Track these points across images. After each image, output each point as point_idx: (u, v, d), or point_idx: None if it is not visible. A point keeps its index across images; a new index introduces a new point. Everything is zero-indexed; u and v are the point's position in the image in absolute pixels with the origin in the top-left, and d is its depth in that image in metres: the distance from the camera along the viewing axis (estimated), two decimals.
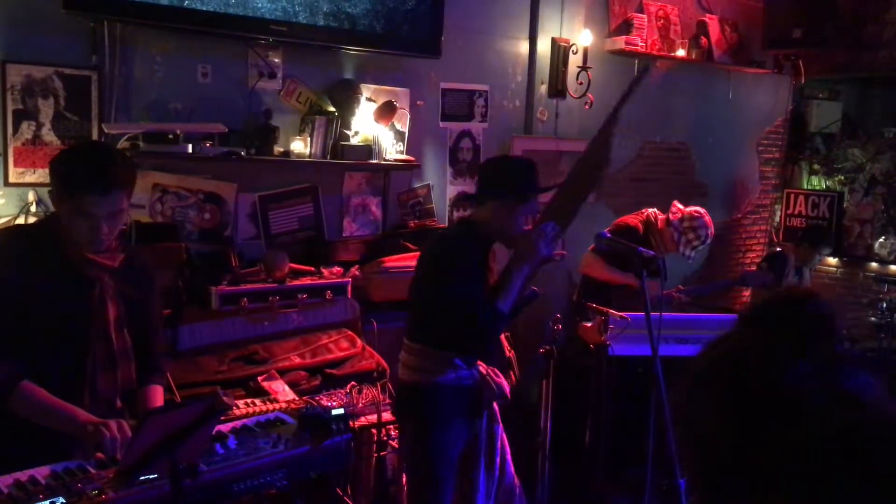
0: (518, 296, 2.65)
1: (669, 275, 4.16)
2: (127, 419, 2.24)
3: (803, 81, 5.94)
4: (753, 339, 0.75)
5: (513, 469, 2.96)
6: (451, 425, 2.69)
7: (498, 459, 2.86)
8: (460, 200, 4.28)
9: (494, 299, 2.62)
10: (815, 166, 6.28)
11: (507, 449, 2.95)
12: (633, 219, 4.12)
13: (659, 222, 4.08)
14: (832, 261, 5.92)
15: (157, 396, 2.33)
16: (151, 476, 1.83)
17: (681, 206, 4.08)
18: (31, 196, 3.14)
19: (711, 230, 4.02)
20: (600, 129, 2.80)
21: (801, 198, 6.19)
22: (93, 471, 1.90)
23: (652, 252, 2.74)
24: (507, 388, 2.79)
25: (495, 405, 2.85)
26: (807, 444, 0.68)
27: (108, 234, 2.10)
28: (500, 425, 2.89)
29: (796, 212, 6.19)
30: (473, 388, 2.71)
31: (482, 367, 2.74)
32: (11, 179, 3.12)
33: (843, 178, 6.12)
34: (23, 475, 1.86)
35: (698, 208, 4.08)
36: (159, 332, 2.46)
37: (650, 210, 4.17)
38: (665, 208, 4.13)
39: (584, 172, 2.80)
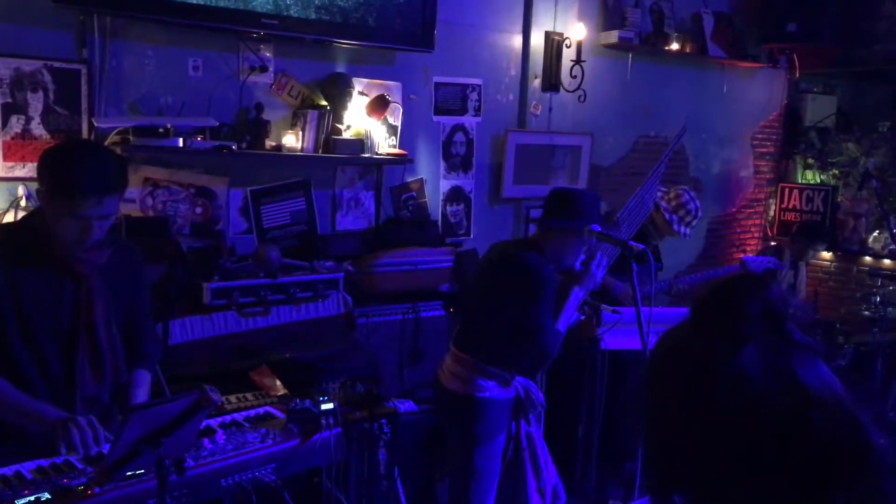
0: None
1: (664, 268, 4.18)
2: (117, 415, 2.24)
3: (798, 76, 5.93)
4: (699, 328, 0.75)
5: (556, 472, 3.10)
6: (498, 437, 2.84)
7: (542, 463, 2.99)
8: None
9: (555, 324, 2.75)
10: (810, 160, 6.27)
11: (548, 453, 3.08)
12: None
13: (653, 210, 4.09)
14: (826, 255, 5.92)
15: (143, 382, 2.30)
16: (138, 471, 1.82)
17: (664, 189, 4.11)
18: (20, 191, 3.12)
19: (698, 203, 4.07)
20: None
21: (796, 192, 6.19)
22: (79, 466, 1.90)
23: (642, 245, 2.73)
24: (542, 398, 2.97)
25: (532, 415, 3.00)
26: (748, 427, 0.67)
27: (98, 235, 2.07)
28: (541, 429, 3.08)
29: (791, 206, 6.19)
30: (515, 400, 2.87)
31: (523, 381, 2.91)
32: (0, 174, 3.10)
33: (837, 172, 6.12)
34: (8, 470, 1.86)
35: (680, 186, 4.14)
36: (148, 320, 2.44)
37: None
38: None
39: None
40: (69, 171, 2.00)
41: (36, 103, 3.15)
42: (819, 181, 6.21)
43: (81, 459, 1.93)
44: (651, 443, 0.79)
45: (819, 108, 6.26)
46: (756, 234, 6.32)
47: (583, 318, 3.05)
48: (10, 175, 3.12)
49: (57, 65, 3.17)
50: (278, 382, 3.09)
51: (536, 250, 2.82)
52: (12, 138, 3.12)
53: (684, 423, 0.73)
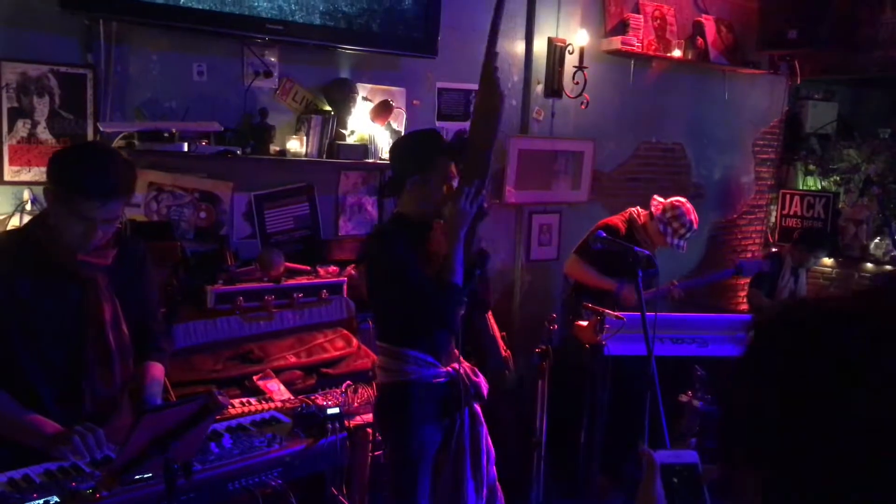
0: (466, 261, 2.55)
1: (663, 274, 4.18)
2: (128, 411, 2.24)
3: (798, 82, 5.95)
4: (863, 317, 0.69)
5: (495, 472, 2.87)
6: (423, 424, 2.60)
7: (484, 461, 2.77)
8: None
9: (441, 275, 2.52)
10: (811, 167, 6.29)
11: (493, 452, 2.85)
12: (615, 219, 4.14)
13: (642, 218, 4.10)
14: (828, 261, 5.93)
15: (156, 372, 2.31)
16: (146, 475, 1.83)
17: (661, 199, 4.11)
18: (26, 195, 3.13)
19: (695, 216, 4.05)
20: (483, 63, 2.73)
21: (797, 198, 6.20)
22: (87, 469, 1.90)
23: (647, 251, 2.74)
24: (484, 388, 2.72)
25: (477, 407, 2.76)
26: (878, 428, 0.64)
27: (102, 238, 2.08)
28: (484, 427, 2.79)
29: (792, 212, 6.20)
30: (445, 386, 2.62)
31: (457, 366, 2.66)
32: (6, 178, 3.11)
33: (838, 178, 6.14)
34: (17, 473, 1.86)
35: (678, 198, 4.11)
36: (156, 314, 2.45)
37: (632, 209, 4.19)
38: None
39: (481, 116, 2.64)
40: (76, 172, 2.01)
41: (42, 108, 3.16)
42: (820, 187, 6.22)
43: (89, 463, 1.93)
44: (751, 417, 0.73)
45: (820, 115, 6.28)
46: (757, 241, 6.33)
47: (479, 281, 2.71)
48: (15, 179, 3.12)
49: (63, 69, 3.18)
50: (282, 387, 3.10)
51: (396, 219, 2.68)
52: (18, 142, 3.13)
53: (800, 400, 0.69)
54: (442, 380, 2.62)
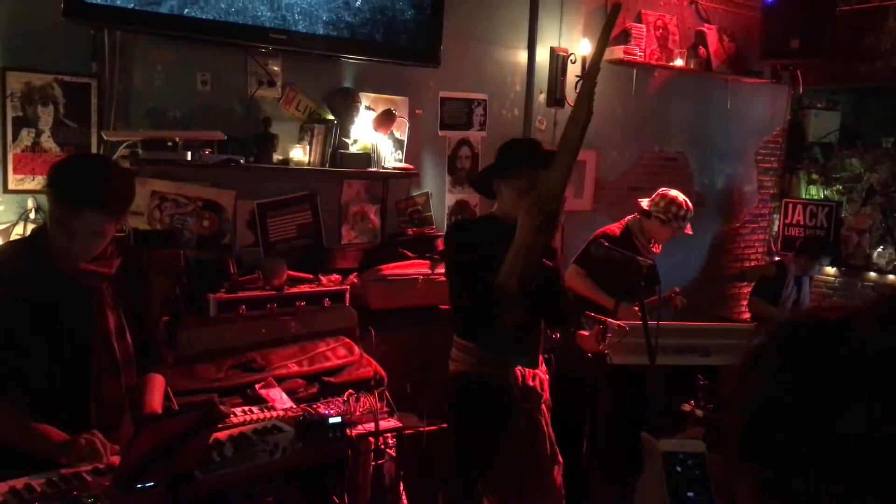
0: (523, 270, 2.53)
1: (665, 283, 4.18)
2: (130, 424, 2.25)
3: (801, 91, 5.96)
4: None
5: (559, 481, 2.89)
6: (473, 416, 2.70)
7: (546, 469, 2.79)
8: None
9: (496, 277, 2.52)
10: (814, 176, 6.29)
11: (559, 459, 2.86)
12: (613, 227, 4.13)
13: (639, 220, 4.07)
14: (830, 270, 5.92)
15: (158, 384, 2.32)
16: (148, 484, 1.83)
17: (645, 199, 4.08)
18: (30, 203, 3.14)
19: (683, 197, 4.02)
20: (583, 79, 2.75)
21: (800, 207, 6.20)
22: (89, 478, 1.90)
23: (650, 261, 2.74)
24: (537, 397, 2.74)
25: (541, 415, 2.77)
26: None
27: (83, 251, 2.06)
28: (547, 437, 2.79)
29: (794, 221, 6.20)
30: (499, 386, 2.68)
31: (518, 369, 2.71)
32: (11, 186, 3.13)
33: (841, 187, 6.14)
34: (18, 482, 1.86)
35: (660, 189, 4.08)
36: (159, 324, 2.46)
37: (628, 217, 4.18)
38: None
39: (570, 129, 2.64)
40: (57, 179, 2.03)
41: (46, 117, 3.18)
42: (823, 196, 6.22)
43: (91, 472, 1.93)
44: (753, 413, 0.74)
45: (822, 124, 6.29)
46: (760, 249, 6.33)
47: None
48: (20, 187, 3.14)
49: (68, 79, 3.20)
50: (284, 395, 3.09)
51: (488, 217, 2.81)
52: (22, 151, 3.14)
53: (801, 401, 0.69)
54: (496, 377, 2.69)
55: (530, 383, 2.72)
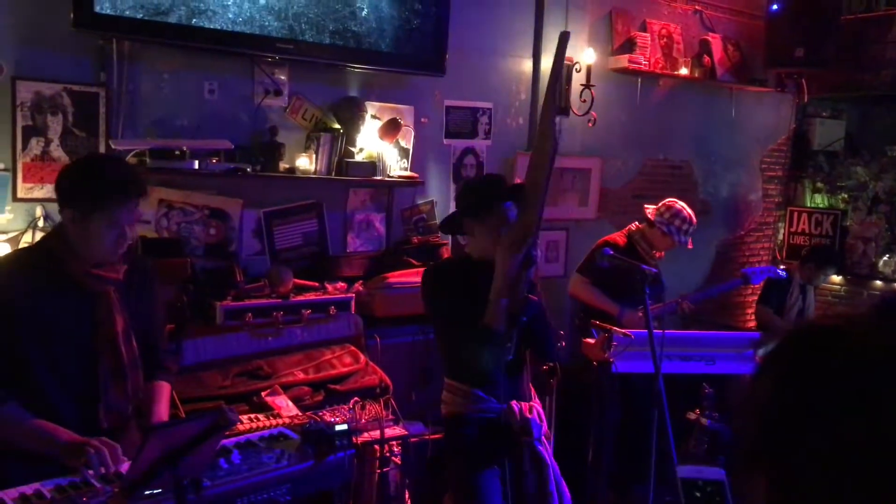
0: (509, 307, 2.50)
1: (670, 292, 4.19)
2: (136, 431, 2.26)
3: (806, 100, 5.96)
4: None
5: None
6: (475, 457, 2.65)
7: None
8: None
9: (482, 318, 2.51)
10: (819, 184, 6.29)
11: (567, 496, 2.79)
12: (616, 236, 4.14)
13: (642, 229, 4.08)
14: (836, 279, 5.91)
15: (163, 394, 2.35)
16: (156, 491, 1.83)
17: (651, 206, 4.10)
18: (38, 211, 3.16)
19: (690, 211, 4.03)
20: (542, 109, 2.72)
21: (805, 216, 6.20)
22: (98, 485, 1.91)
23: (654, 269, 2.74)
24: (537, 428, 2.68)
25: (543, 449, 2.70)
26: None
27: (122, 244, 2.13)
28: (552, 469, 2.72)
29: (799, 230, 6.20)
30: (497, 421, 2.63)
31: (515, 404, 2.65)
32: (20, 195, 3.15)
33: (846, 196, 6.13)
34: (28, 489, 1.87)
35: (668, 199, 4.09)
36: (163, 331, 2.49)
37: (631, 225, 4.19)
38: None
39: (536, 162, 2.61)
40: (105, 181, 2.06)
41: (55, 126, 3.20)
42: (828, 205, 6.22)
43: (100, 479, 1.94)
44: (765, 419, 0.77)
45: (827, 133, 6.29)
46: (765, 258, 6.32)
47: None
48: (29, 196, 3.16)
49: (76, 88, 3.23)
50: (290, 403, 3.11)
51: (462, 256, 2.80)
52: (32, 160, 3.17)
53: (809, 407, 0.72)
54: (492, 415, 2.64)
55: (528, 415, 2.68)
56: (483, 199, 2.63)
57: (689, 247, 4.08)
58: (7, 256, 2.23)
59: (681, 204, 4.04)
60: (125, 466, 1.98)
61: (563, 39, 2.57)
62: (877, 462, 0.66)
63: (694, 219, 4.04)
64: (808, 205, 6.30)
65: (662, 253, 4.08)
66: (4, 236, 3.10)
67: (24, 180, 3.15)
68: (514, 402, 2.65)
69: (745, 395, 0.80)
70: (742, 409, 0.80)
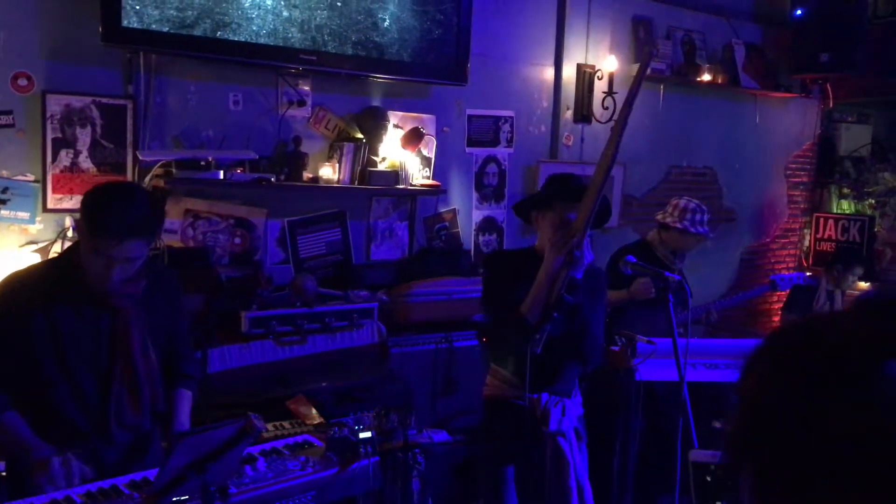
0: (546, 302, 2.54)
1: (697, 301, 4.15)
2: (158, 440, 2.29)
3: (831, 105, 5.91)
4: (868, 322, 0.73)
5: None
6: (497, 439, 2.74)
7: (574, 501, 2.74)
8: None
9: (520, 307, 2.56)
10: (845, 190, 6.22)
11: (588, 490, 2.80)
12: (631, 245, 4.09)
13: (657, 233, 4.02)
14: (863, 285, 5.83)
15: (185, 402, 2.36)
16: (183, 497, 1.85)
17: (661, 212, 4.05)
18: (67, 222, 3.22)
19: (694, 201, 3.95)
20: (617, 119, 2.78)
21: (831, 222, 6.13)
22: (126, 491, 1.94)
23: (678, 276, 2.73)
24: (555, 421, 2.69)
25: (565, 443, 2.72)
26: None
27: (121, 277, 2.09)
28: (572, 465, 2.73)
29: (826, 236, 6.13)
30: (524, 409, 2.67)
31: (544, 395, 2.68)
32: (49, 205, 3.21)
33: (873, 201, 6.06)
34: (59, 494, 1.90)
35: (672, 199, 4.03)
36: (187, 340, 2.50)
37: (646, 235, 4.15)
38: None
39: (599, 168, 2.67)
40: (96, 211, 2.05)
41: (84, 137, 3.26)
42: (855, 211, 6.14)
43: (128, 485, 1.97)
44: (750, 414, 0.79)
45: (854, 138, 6.22)
46: (790, 264, 6.26)
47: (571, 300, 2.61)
48: (58, 206, 3.22)
49: (104, 100, 3.28)
50: (314, 411, 3.12)
51: (521, 248, 2.92)
52: (61, 171, 3.23)
53: (797, 403, 0.73)
54: (522, 402, 2.69)
55: (551, 408, 2.69)
56: (548, 193, 2.73)
57: (710, 236, 4.02)
58: (28, 269, 2.25)
59: (686, 198, 3.99)
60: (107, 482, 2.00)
61: (648, 55, 2.75)
62: (855, 451, 0.68)
63: (703, 206, 3.98)
64: (835, 211, 6.23)
65: (685, 256, 4.03)
66: (34, 246, 3.16)
67: (54, 191, 3.21)
68: (544, 394, 2.70)
69: (734, 390, 0.82)
70: (732, 406, 0.81)
